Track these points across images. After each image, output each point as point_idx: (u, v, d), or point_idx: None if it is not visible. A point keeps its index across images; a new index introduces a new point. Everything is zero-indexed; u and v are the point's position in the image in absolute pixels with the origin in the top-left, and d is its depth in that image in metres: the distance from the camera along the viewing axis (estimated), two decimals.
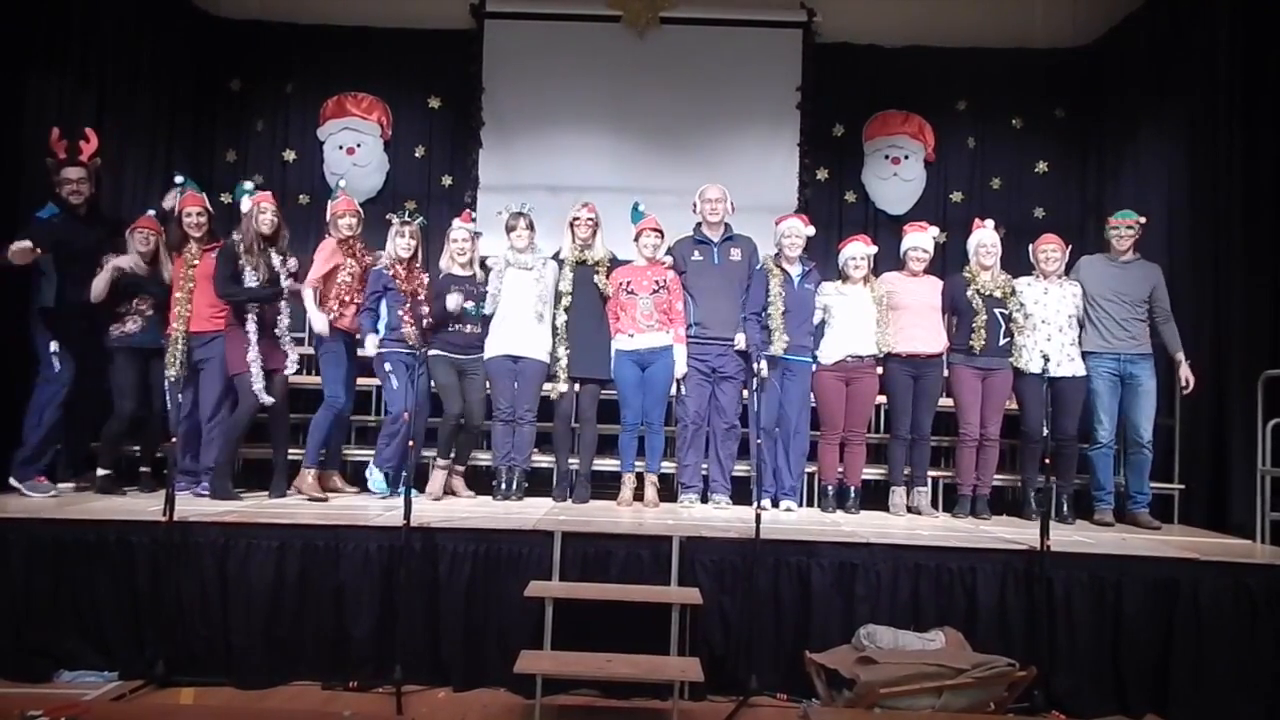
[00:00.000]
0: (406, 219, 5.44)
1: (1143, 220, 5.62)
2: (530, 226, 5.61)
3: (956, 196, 7.83)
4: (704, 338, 5.51)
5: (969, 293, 5.50)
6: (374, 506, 5.06)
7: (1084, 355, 5.57)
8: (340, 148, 7.74)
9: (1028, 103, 7.78)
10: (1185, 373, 5.44)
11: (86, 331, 5.29)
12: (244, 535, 4.30)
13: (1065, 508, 5.51)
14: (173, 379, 5.08)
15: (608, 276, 5.57)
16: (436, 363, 5.48)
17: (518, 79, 7.78)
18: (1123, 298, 5.52)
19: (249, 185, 5.56)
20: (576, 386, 5.58)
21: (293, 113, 7.86)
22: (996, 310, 5.46)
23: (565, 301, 5.56)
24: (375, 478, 5.44)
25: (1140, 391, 5.45)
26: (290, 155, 7.83)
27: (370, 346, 5.37)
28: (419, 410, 5.38)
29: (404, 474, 4.26)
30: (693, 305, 5.56)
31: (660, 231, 5.61)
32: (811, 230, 5.69)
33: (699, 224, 5.68)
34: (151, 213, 5.62)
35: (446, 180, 7.86)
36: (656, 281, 5.50)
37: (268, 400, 5.20)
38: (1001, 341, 5.46)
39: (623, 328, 5.52)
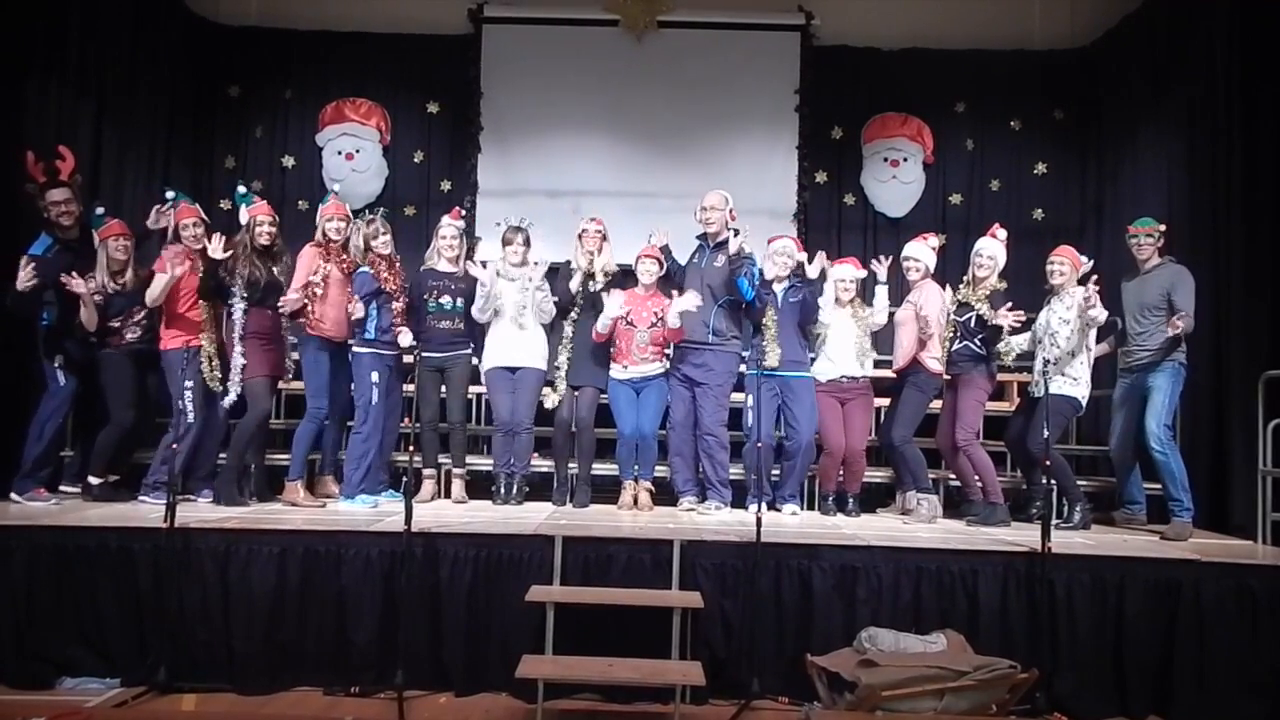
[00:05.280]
0: (371, 217, 5.40)
1: (1162, 228, 5.46)
2: (526, 243, 5.60)
3: (955, 198, 7.82)
4: (682, 342, 5.45)
5: (949, 304, 5.49)
6: (373, 511, 5.06)
7: (1120, 372, 5.55)
8: (339, 153, 7.74)
9: (1026, 104, 7.78)
10: (1175, 321, 5.13)
11: (90, 345, 5.30)
12: (245, 541, 4.30)
13: (1077, 515, 5.33)
14: (188, 388, 5.07)
15: (607, 288, 5.58)
16: (419, 361, 5.44)
17: (516, 83, 7.78)
18: (1137, 310, 5.42)
19: (243, 189, 5.52)
20: (575, 393, 5.58)
21: (291, 119, 7.87)
22: (957, 319, 5.39)
23: (574, 313, 5.59)
24: (355, 505, 5.23)
25: (1150, 392, 5.32)
26: (289, 161, 7.83)
27: (404, 340, 5.28)
28: (392, 414, 5.42)
29: (405, 478, 4.25)
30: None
31: (659, 260, 5.55)
32: (804, 256, 5.64)
33: (704, 233, 5.61)
34: (101, 210, 5.40)
35: (445, 185, 7.86)
36: (655, 314, 5.47)
37: (226, 402, 5.18)
38: (957, 346, 5.37)
39: (618, 358, 5.52)
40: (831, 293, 5.65)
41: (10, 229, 5.32)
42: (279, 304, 5.22)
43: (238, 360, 5.16)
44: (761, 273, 5.50)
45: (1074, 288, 5.27)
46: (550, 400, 5.57)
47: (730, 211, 5.50)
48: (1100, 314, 5.10)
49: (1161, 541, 4.95)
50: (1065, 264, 5.35)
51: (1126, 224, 5.67)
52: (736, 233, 5.30)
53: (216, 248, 5.11)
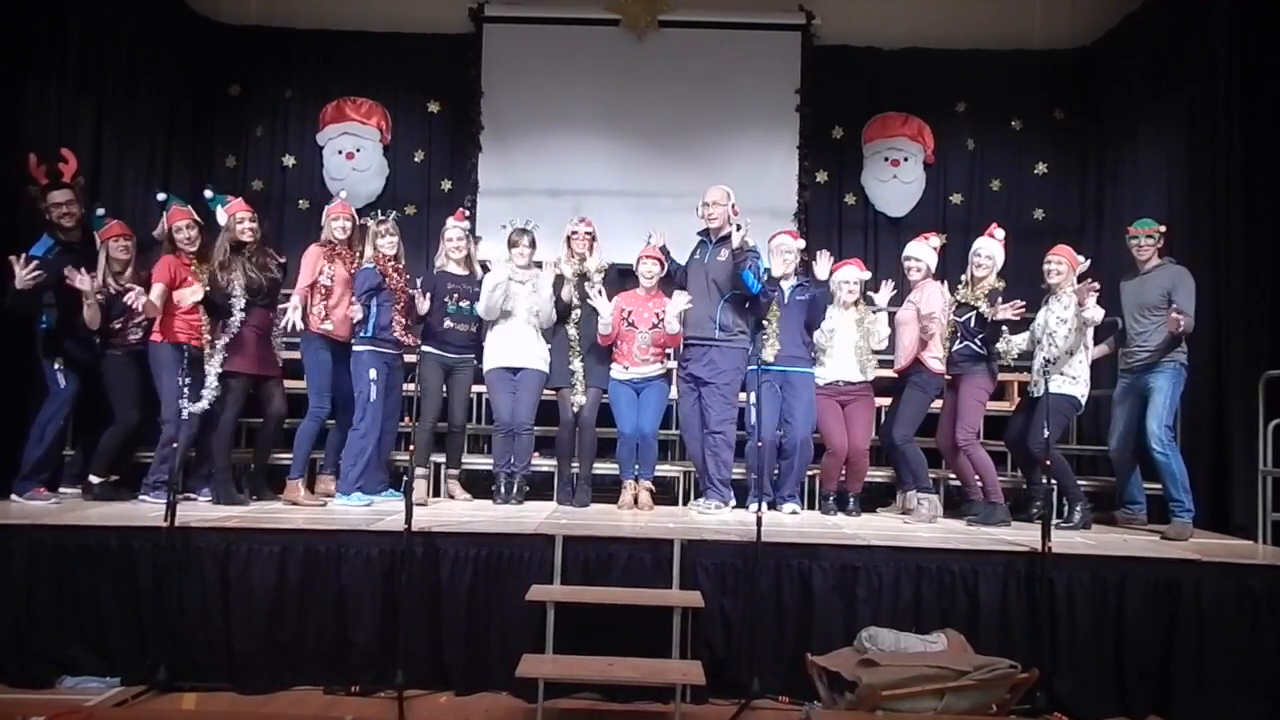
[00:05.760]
0: (382, 217, 5.39)
1: (1162, 229, 5.48)
2: (532, 244, 5.60)
3: (956, 198, 7.83)
4: (686, 339, 5.43)
5: (948, 303, 5.48)
6: (369, 510, 5.06)
7: (1121, 373, 5.55)
8: (340, 153, 7.75)
9: (1027, 104, 7.79)
10: (1174, 316, 5.14)
11: (89, 346, 5.30)
12: (245, 540, 4.30)
13: (1077, 515, 5.33)
14: (183, 384, 5.04)
15: (603, 283, 5.55)
16: (425, 362, 5.44)
17: (517, 83, 7.79)
18: (1138, 310, 5.42)
19: (209, 194, 5.46)
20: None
21: (292, 118, 7.88)
22: (956, 319, 5.40)
23: (576, 315, 5.57)
24: (351, 502, 5.20)
25: (1150, 393, 5.33)
26: (290, 160, 7.84)
27: (355, 313, 5.18)
28: (392, 413, 5.43)
29: (405, 477, 4.26)
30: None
31: (660, 260, 5.54)
32: (801, 243, 5.65)
33: (706, 229, 5.52)
34: (101, 211, 5.42)
35: (446, 184, 7.87)
36: (657, 315, 5.45)
37: (196, 409, 5.05)
38: (957, 346, 5.39)
39: (619, 359, 5.51)
40: (836, 295, 5.64)
41: (10, 229, 5.31)
42: (281, 323, 5.21)
43: (218, 360, 5.14)
44: (768, 270, 5.48)
45: (1071, 287, 5.28)
46: (576, 404, 5.55)
47: (733, 206, 5.45)
48: (1096, 313, 5.10)
49: (1162, 541, 4.95)
50: (1063, 263, 5.36)
51: (1127, 224, 5.66)
52: (739, 227, 5.28)
53: (192, 293, 5.09)
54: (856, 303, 5.64)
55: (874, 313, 5.65)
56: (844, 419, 5.58)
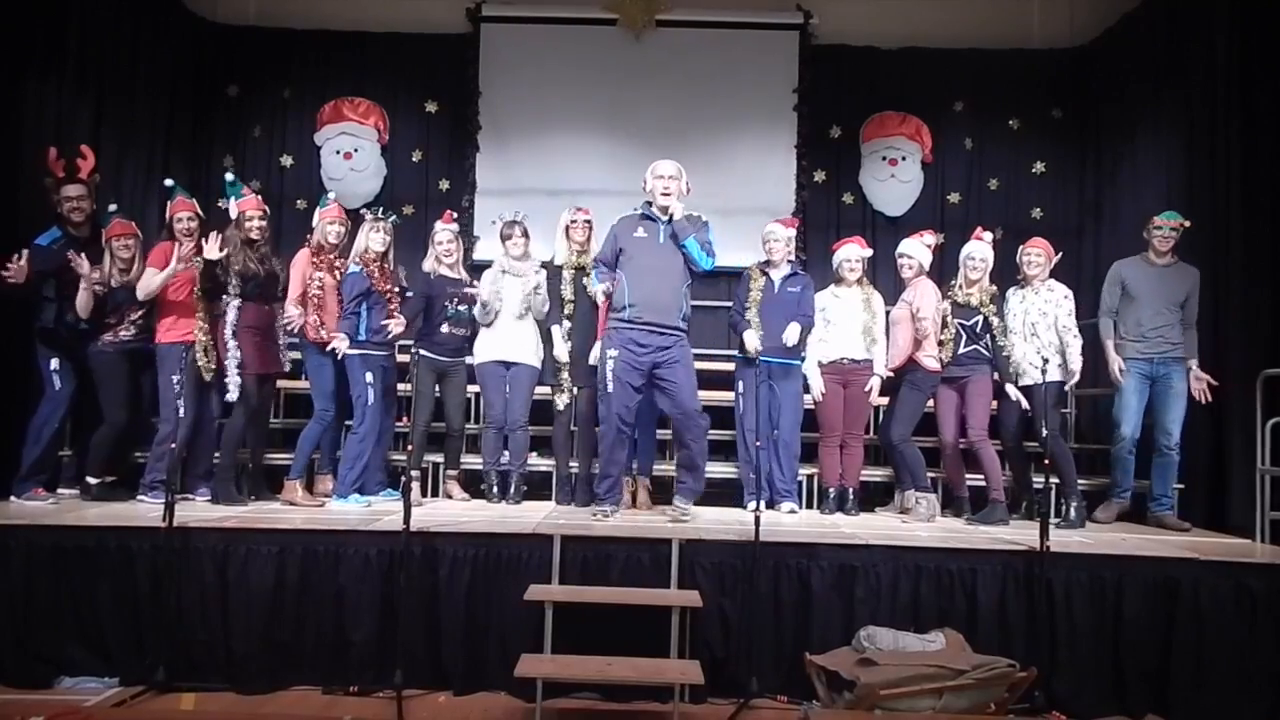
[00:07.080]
0: (379, 216, 5.38)
1: (1187, 223, 5.57)
2: (525, 234, 5.60)
3: (954, 198, 7.82)
4: (639, 323, 4.88)
5: (944, 304, 5.50)
6: (366, 510, 5.06)
7: (1134, 359, 5.56)
8: (337, 153, 7.73)
9: (1025, 103, 7.78)
10: (1196, 384, 5.37)
11: (87, 346, 5.30)
12: (244, 541, 4.31)
13: (1074, 512, 5.34)
14: (179, 382, 5.05)
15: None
16: (417, 364, 5.42)
17: (514, 83, 7.78)
18: (1158, 300, 5.47)
19: (230, 177, 5.47)
20: (574, 390, 5.58)
21: (290, 118, 7.86)
22: (958, 321, 5.42)
23: (569, 309, 5.56)
24: (348, 504, 5.20)
25: (1171, 393, 5.41)
26: (287, 160, 7.82)
27: (340, 345, 5.11)
28: (389, 413, 5.44)
29: (404, 478, 4.26)
30: (626, 286, 4.93)
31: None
32: (791, 231, 5.64)
33: (647, 202, 5.13)
34: (114, 208, 5.46)
35: (444, 184, 7.85)
36: None
37: (231, 396, 5.14)
38: (964, 349, 5.40)
39: None
40: (839, 274, 5.67)
41: (11, 228, 5.31)
42: (285, 323, 5.22)
43: (234, 356, 5.15)
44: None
45: (1049, 279, 5.51)
46: (560, 402, 5.55)
47: (685, 184, 5.10)
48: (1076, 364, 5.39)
49: (1161, 540, 4.93)
50: (1041, 255, 5.52)
51: (1137, 217, 5.82)
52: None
53: (212, 248, 5.09)
54: (859, 280, 5.65)
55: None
56: (843, 401, 5.58)
